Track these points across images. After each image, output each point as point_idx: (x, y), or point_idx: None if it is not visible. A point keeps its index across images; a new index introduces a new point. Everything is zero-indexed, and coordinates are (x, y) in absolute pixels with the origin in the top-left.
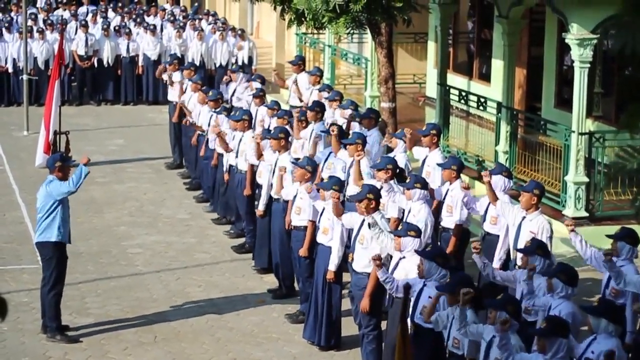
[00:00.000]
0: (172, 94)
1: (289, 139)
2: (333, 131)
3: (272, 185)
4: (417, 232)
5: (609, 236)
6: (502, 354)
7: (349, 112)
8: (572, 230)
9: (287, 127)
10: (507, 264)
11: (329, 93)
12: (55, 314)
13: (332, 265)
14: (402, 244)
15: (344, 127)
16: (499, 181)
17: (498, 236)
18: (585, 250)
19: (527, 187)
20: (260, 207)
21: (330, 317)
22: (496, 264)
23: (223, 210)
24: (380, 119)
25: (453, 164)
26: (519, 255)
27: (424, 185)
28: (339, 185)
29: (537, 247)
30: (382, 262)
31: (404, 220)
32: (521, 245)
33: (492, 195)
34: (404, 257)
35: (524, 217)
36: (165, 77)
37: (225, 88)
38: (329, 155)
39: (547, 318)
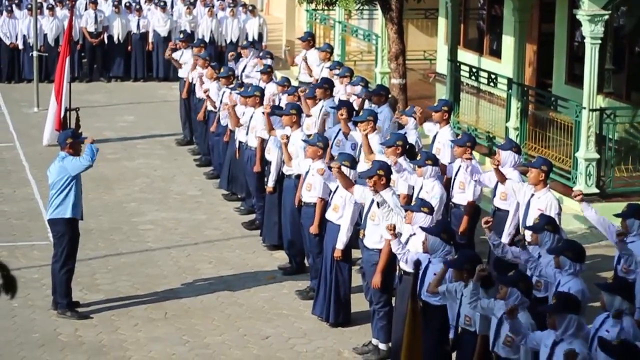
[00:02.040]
0: (182, 71)
1: (301, 116)
2: (342, 115)
3: (282, 161)
4: (430, 209)
5: (617, 215)
6: (517, 338)
7: (358, 88)
8: (582, 201)
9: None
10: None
11: (340, 70)
12: (66, 291)
13: (340, 244)
14: (414, 220)
15: (357, 105)
16: (508, 157)
17: (508, 211)
18: (599, 218)
19: (534, 164)
20: (270, 183)
21: (339, 294)
22: (505, 238)
23: (232, 186)
24: (390, 96)
25: (468, 140)
26: (528, 232)
27: (435, 161)
28: (350, 160)
29: (545, 223)
30: (396, 232)
31: (417, 196)
32: (530, 222)
33: (501, 177)
34: (414, 234)
35: (532, 195)
36: (176, 55)
37: (235, 65)
38: (338, 132)
39: (557, 294)
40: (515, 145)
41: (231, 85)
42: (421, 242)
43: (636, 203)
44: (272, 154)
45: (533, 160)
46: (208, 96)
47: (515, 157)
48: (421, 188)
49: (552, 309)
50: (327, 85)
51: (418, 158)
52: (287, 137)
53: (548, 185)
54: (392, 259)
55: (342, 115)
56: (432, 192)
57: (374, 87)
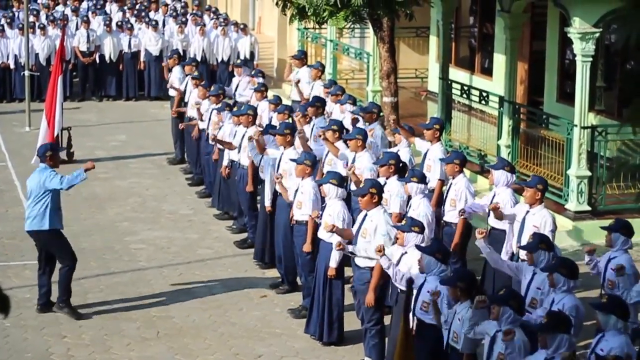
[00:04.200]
0: (173, 90)
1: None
2: (320, 135)
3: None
4: (421, 228)
5: (603, 228)
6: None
7: (347, 107)
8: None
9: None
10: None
11: (331, 89)
12: (66, 287)
13: (333, 262)
14: (405, 239)
15: (349, 123)
16: (501, 176)
17: (503, 231)
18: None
19: (530, 183)
20: (267, 202)
21: (332, 312)
22: (504, 256)
23: (225, 205)
24: (381, 114)
25: (456, 158)
26: (523, 251)
27: (422, 179)
28: (338, 179)
29: (539, 242)
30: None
31: (406, 214)
32: (525, 239)
33: (500, 216)
34: (405, 253)
35: (527, 212)
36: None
37: (244, 75)
38: (329, 151)
39: (548, 313)
40: (508, 164)
41: (217, 105)
42: (415, 260)
43: (624, 219)
44: (265, 173)
45: (528, 179)
46: (198, 109)
47: (508, 175)
48: (409, 206)
49: (543, 328)
50: (319, 104)
51: (405, 175)
52: (281, 177)
53: (543, 203)
54: (384, 277)
55: (321, 135)
56: (418, 209)
57: (364, 105)
